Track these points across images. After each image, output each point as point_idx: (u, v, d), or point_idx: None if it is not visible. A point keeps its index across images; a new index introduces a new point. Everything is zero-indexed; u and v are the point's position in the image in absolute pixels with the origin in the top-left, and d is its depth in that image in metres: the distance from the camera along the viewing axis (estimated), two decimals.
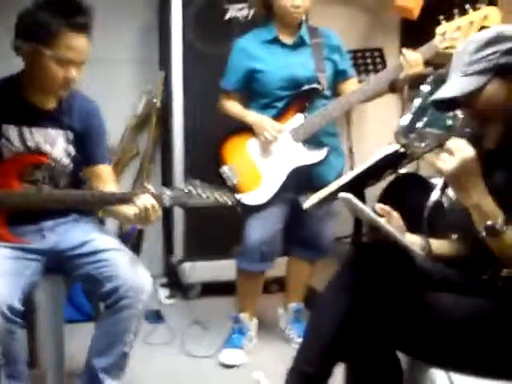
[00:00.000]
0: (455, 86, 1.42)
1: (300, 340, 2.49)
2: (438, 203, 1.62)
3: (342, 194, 1.47)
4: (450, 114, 2.50)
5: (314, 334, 1.47)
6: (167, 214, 3.14)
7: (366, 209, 1.46)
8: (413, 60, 2.30)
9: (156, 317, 2.80)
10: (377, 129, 3.69)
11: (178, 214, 3.07)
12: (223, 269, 2.99)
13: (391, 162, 2.21)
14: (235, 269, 2.58)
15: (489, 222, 1.31)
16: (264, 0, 2.43)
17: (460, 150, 1.32)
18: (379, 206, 1.55)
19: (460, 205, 1.44)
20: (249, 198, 2.40)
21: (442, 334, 1.42)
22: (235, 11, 3.01)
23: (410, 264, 1.45)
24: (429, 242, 1.58)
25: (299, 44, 2.45)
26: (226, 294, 2.91)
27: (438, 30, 2.38)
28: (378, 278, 1.40)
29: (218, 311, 2.87)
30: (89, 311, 2.51)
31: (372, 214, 1.47)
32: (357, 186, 2.03)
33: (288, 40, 2.45)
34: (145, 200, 1.78)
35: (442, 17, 2.38)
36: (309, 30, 2.47)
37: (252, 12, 2.99)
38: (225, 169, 2.43)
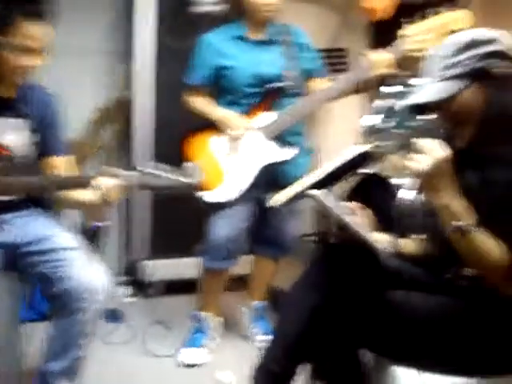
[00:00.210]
0: (432, 90, 1.41)
1: (263, 338, 2.52)
2: (407, 203, 1.63)
3: (311, 192, 1.46)
4: (418, 115, 2.54)
5: (280, 332, 1.46)
6: (128, 212, 3.09)
7: (334, 206, 1.46)
8: (382, 61, 2.30)
9: (116, 316, 2.74)
10: (342, 128, 3.71)
11: (140, 214, 3.02)
12: (185, 267, 2.96)
13: (357, 162, 2.22)
14: (199, 267, 2.54)
15: (457, 223, 1.32)
16: None
17: (434, 151, 1.32)
18: (349, 205, 1.54)
19: (429, 205, 1.44)
20: (215, 196, 2.37)
21: (409, 332, 1.43)
22: (208, 6, 2.98)
23: (375, 263, 1.46)
24: (397, 240, 1.58)
25: (268, 41, 2.43)
26: (188, 292, 2.87)
27: (408, 31, 2.39)
28: (344, 276, 1.40)
29: (180, 310, 2.82)
30: (45, 311, 2.44)
31: (339, 212, 1.46)
32: (323, 185, 2.02)
33: (257, 37, 2.43)
34: (105, 181, 1.75)
35: (412, 18, 2.39)
36: (278, 27, 2.46)
37: (225, 7, 2.98)
38: (189, 166, 2.40)
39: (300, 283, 1.49)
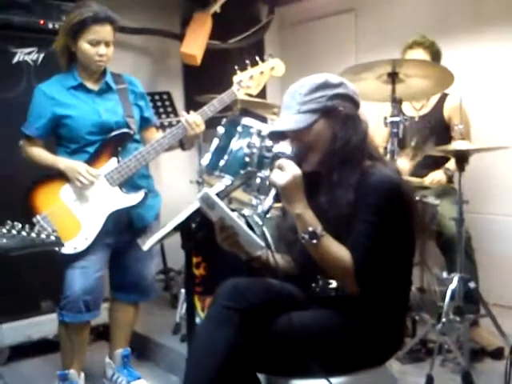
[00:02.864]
0: (291, 121, 1.66)
1: None
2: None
3: (202, 193, 1.60)
4: (248, 151, 2.79)
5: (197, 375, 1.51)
6: None
7: (222, 204, 1.61)
8: (193, 122, 2.47)
9: None
10: (173, 167, 3.84)
11: None
12: (32, 327, 2.80)
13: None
14: (56, 323, 2.43)
15: (310, 228, 1.57)
16: (66, 47, 2.42)
17: (291, 168, 1.58)
18: None
19: (286, 224, 1.70)
20: (67, 248, 2.32)
21: (293, 348, 1.57)
22: (24, 55, 2.92)
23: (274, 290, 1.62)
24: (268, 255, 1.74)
25: (105, 90, 2.48)
26: (40, 353, 2.72)
27: (235, 78, 2.64)
28: (251, 311, 1.52)
29: (35, 373, 2.67)
30: None
31: (227, 209, 1.62)
32: (186, 225, 2.11)
33: (93, 86, 2.46)
34: None
35: (237, 67, 2.64)
36: (112, 76, 2.52)
37: (42, 56, 2.96)
38: (38, 218, 2.32)
39: (207, 325, 1.56)
